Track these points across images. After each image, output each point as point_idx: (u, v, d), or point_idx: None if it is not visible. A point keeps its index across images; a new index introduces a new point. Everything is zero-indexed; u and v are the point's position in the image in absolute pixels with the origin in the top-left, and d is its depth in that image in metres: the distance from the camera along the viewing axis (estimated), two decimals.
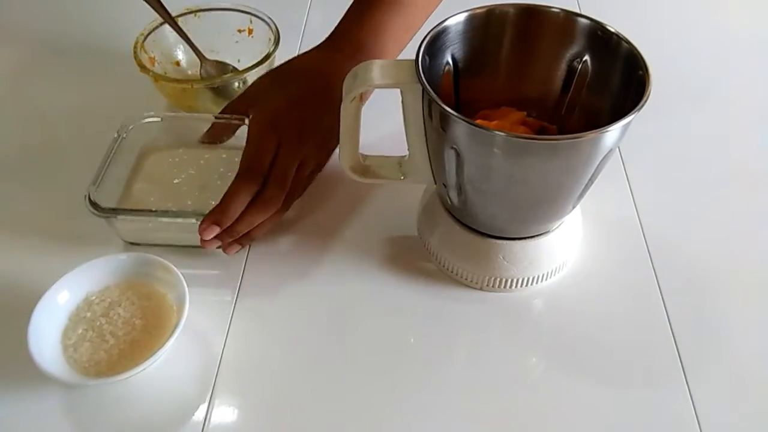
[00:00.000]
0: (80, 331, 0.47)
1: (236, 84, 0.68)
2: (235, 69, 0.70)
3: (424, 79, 0.45)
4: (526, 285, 0.54)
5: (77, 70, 0.75)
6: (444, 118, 0.45)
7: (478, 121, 0.54)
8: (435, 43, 0.49)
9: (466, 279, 0.54)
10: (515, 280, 0.53)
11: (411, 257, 0.57)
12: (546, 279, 0.54)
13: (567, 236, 0.55)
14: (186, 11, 0.70)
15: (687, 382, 0.48)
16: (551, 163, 0.45)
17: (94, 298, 0.49)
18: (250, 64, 0.65)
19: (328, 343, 0.51)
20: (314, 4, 0.85)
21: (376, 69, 0.48)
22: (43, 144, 0.67)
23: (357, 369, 0.49)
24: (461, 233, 0.53)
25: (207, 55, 0.70)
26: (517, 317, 0.53)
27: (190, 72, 0.71)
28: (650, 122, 0.66)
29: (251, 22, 0.71)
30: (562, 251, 0.54)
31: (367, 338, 0.51)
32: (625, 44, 0.47)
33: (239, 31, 0.71)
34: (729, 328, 0.52)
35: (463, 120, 0.43)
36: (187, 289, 0.47)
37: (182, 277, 0.48)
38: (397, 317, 0.53)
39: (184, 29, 0.68)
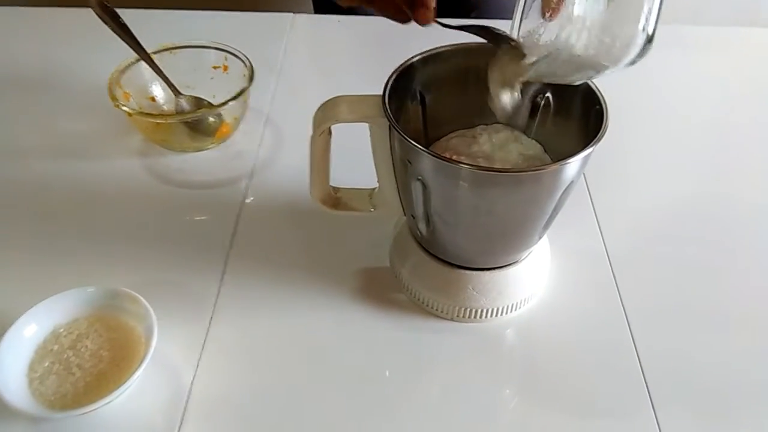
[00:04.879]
0: (47, 363, 0.47)
1: (210, 119, 0.69)
2: (209, 104, 0.71)
3: (389, 113, 0.47)
4: (496, 315, 0.54)
5: (53, 105, 0.76)
6: (409, 150, 0.46)
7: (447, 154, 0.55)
8: (402, 78, 0.51)
9: (436, 310, 0.55)
10: (485, 311, 0.54)
11: (383, 288, 0.57)
12: (515, 309, 0.55)
13: (535, 266, 0.56)
14: (162, 48, 0.71)
15: (655, 412, 0.49)
16: (515, 195, 0.46)
17: (61, 330, 0.49)
18: (224, 100, 0.66)
19: (299, 376, 0.51)
20: (290, 43, 0.87)
21: (343, 104, 0.49)
22: (20, 178, 0.67)
23: (329, 401, 0.49)
24: (431, 264, 0.54)
25: (182, 91, 0.71)
26: (487, 347, 0.53)
27: (165, 107, 0.72)
28: (616, 153, 0.68)
29: (226, 59, 0.72)
30: (531, 281, 0.55)
31: (338, 370, 0.51)
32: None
33: (214, 67, 0.73)
34: (696, 357, 0.53)
35: (427, 152, 0.44)
36: (155, 320, 0.47)
37: (151, 309, 0.48)
38: (369, 348, 0.53)
39: (160, 66, 0.70)
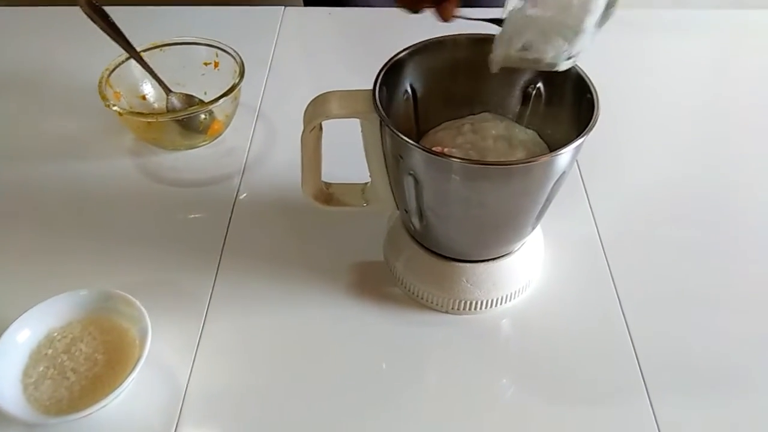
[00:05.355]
0: (41, 368, 0.47)
1: (202, 116, 0.69)
2: (201, 101, 0.70)
3: (380, 108, 0.46)
4: (491, 306, 0.54)
5: (42, 105, 0.75)
6: (400, 145, 0.46)
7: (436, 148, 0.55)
8: (392, 72, 0.50)
9: (431, 303, 0.55)
10: (479, 302, 0.54)
11: (378, 282, 0.57)
12: (510, 300, 0.55)
13: (529, 257, 0.56)
14: (152, 46, 0.71)
15: (649, 398, 0.49)
16: (506, 187, 0.46)
17: (56, 334, 0.49)
18: (215, 96, 0.66)
19: (295, 372, 0.51)
20: (281, 37, 0.87)
21: (334, 100, 0.49)
22: (9, 179, 0.67)
23: (325, 396, 0.49)
24: (425, 258, 0.54)
25: (173, 88, 0.71)
26: (483, 339, 0.53)
27: (156, 105, 0.72)
28: (609, 140, 0.68)
29: (217, 55, 0.71)
30: (525, 272, 0.55)
31: (334, 365, 0.51)
32: (573, 69, 0.48)
33: (205, 64, 0.72)
34: (690, 343, 0.53)
35: (418, 147, 0.44)
36: (149, 322, 0.47)
37: (145, 311, 0.48)
38: (364, 342, 0.53)
39: (150, 64, 0.69)
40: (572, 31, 0.41)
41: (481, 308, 0.54)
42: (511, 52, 0.45)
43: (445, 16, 0.47)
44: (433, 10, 0.48)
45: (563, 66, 0.45)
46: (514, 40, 0.44)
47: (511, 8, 0.41)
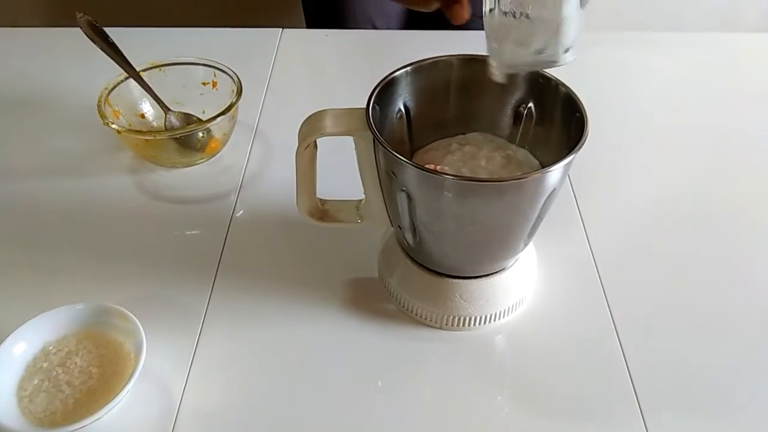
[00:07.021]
0: (36, 381, 0.47)
1: (199, 134, 0.70)
2: (199, 120, 0.71)
3: (373, 126, 0.47)
4: (484, 323, 0.55)
5: (43, 124, 0.77)
6: (393, 162, 0.46)
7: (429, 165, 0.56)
8: (385, 92, 0.51)
9: (425, 318, 0.55)
10: (473, 319, 0.54)
11: (372, 299, 0.57)
12: (503, 317, 0.55)
13: (522, 274, 0.56)
14: (151, 66, 0.72)
15: (643, 418, 0.49)
16: (498, 203, 0.47)
17: (51, 348, 0.49)
18: (213, 115, 0.67)
19: (290, 388, 0.51)
20: (279, 58, 0.88)
21: (328, 118, 0.50)
22: (9, 196, 0.67)
23: (320, 412, 0.50)
24: (418, 274, 0.55)
25: (172, 107, 0.72)
26: (476, 355, 0.54)
27: (155, 123, 0.73)
28: (601, 158, 0.68)
29: (215, 75, 0.73)
30: (518, 289, 0.56)
31: (329, 381, 0.52)
32: (563, 89, 0.50)
33: (204, 83, 0.73)
34: (683, 363, 0.53)
35: (410, 164, 0.45)
36: (144, 336, 0.48)
37: (140, 325, 0.48)
38: (359, 359, 0.53)
39: (150, 83, 0.70)
40: (554, 23, 0.41)
41: (474, 324, 0.55)
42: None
43: (457, 20, 0.48)
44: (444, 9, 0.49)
45: (563, 60, 0.44)
46: (499, 42, 0.44)
47: (487, 10, 0.41)
